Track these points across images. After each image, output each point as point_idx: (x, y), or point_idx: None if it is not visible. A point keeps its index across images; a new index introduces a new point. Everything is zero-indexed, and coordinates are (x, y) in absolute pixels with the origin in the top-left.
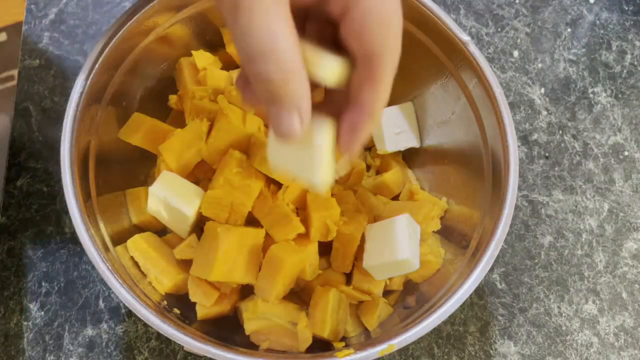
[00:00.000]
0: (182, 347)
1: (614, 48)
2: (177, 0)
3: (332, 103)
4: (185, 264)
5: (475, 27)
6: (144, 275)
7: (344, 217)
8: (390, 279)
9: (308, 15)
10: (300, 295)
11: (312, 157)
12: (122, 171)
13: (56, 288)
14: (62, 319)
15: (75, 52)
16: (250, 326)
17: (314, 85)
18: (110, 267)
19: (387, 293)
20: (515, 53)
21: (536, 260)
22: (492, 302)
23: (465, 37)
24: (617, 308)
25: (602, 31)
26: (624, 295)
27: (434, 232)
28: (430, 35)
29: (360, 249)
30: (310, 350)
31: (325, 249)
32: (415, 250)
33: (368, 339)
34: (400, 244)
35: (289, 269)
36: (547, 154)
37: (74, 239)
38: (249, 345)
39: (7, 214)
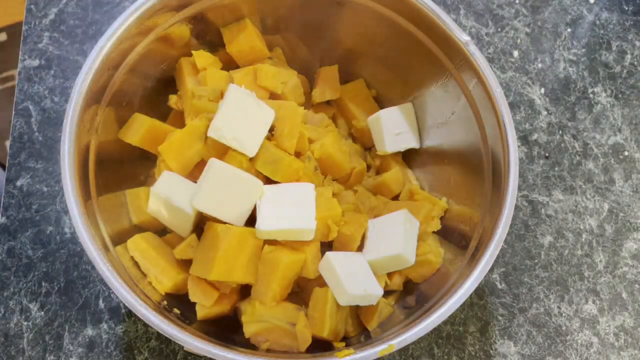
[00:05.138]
0: (182, 347)
1: (614, 48)
2: (177, 0)
3: None
4: (185, 264)
5: (475, 27)
6: (144, 275)
7: (344, 217)
8: (390, 278)
9: None
10: (300, 295)
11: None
12: (122, 171)
13: (56, 288)
14: (62, 319)
15: (75, 52)
16: (249, 329)
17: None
18: (110, 267)
19: (387, 293)
20: (515, 53)
21: (536, 260)
22: (492, 302)
23: (465, 37)
24: (617, 308)
25: (602, 31)
26: (624, 295)
27: (433, 232)
28: (430, 35)
29: (361, 249)
30: (310, 350)
31: (326, 248)
32: (411, 245)
33: (368, 339)
34: (395, 240)
35: (284, 271)
36: (547, 154)
37: (74, 239)
38: (249, 345)
39: (7, 214)
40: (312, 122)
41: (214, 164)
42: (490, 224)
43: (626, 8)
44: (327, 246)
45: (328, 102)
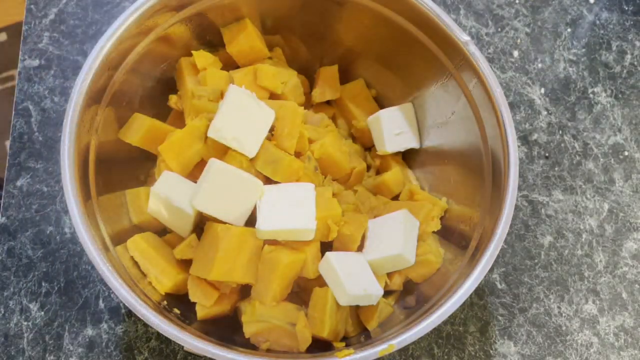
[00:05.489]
0: (182, 347)
1: (614, 48)
2: (177, 0)
3: None
4: (185, 264)
5: (475, 27)
6: (144, 275)
7: (344, 217)
8: (390, 278)
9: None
10: (300, 295)
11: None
12: (122, 171)
13: (56, 288)
14: (62, 319)
15: (75, 52)
16: (249, 329)
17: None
18: (110, 267)
19: (387, 293)
20: (515, 53)
21: (536, 260)
22: (492, 302)
23: (465, 37)
24: (617, 308)
25: (602, 31)
26: (624, 295)
27: (433, 232)
28: (430, 35)
29: (361, 249)
30: (310, 350)
31: (326, 248)
32: (411, 245)
33: (368, 339)
34: (395, 240)
35: (284, 271)
36: (547, 154)
37: (74, 239)
38: (249, 345)
39: (7, 214)
40: (312, 122)
41: (214, 164)
42: (490, 224)
43: (626, 8)
44: (327, 246)
45: (328, 102)
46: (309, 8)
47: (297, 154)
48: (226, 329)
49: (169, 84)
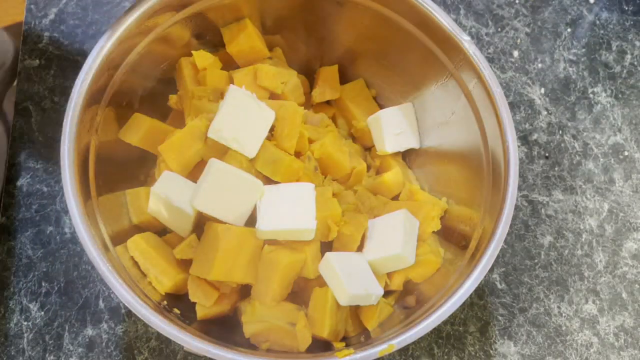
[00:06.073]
0: (182, 347)
1: (614, 48)
2: (177, 0)
3: None
4: (185, 264)
5: (475, 27)
6: (144, 275)
7: (344, 217)
8: (390, 278)
9: None
10: (300, 295)
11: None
12: (122, 171)
13: (56, 288)
14: (62, 319)
15: (75, 52)
16: (249, 329)
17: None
18: (110, 267)
19: (387, 293)
20: (515, 53)
21: (536, 260)
22: (492, 302)
23: (465, 37)
24: (617, 308)
25: (602, 31)
26: (624, 295)
27: (433, 232)
28: (430, 35)
29: (361, 249)
30: (310, 350)
31: (326, 248)
32: (411, 245)
33: (368, 339)
34: (395, 240)
35: (284, 271)
36: (547, 154)
37: (74, 239)
38: (249, 345)
39: (7, 214)
40: (312, 122)
41: (214, 164)
42: (490, 224)
43: (626, 8)
44: (327, 246)
45: (328, 102)
46: (309, 8)
47: (297, 154)
48: (226, 329)
49: (169, 84)
